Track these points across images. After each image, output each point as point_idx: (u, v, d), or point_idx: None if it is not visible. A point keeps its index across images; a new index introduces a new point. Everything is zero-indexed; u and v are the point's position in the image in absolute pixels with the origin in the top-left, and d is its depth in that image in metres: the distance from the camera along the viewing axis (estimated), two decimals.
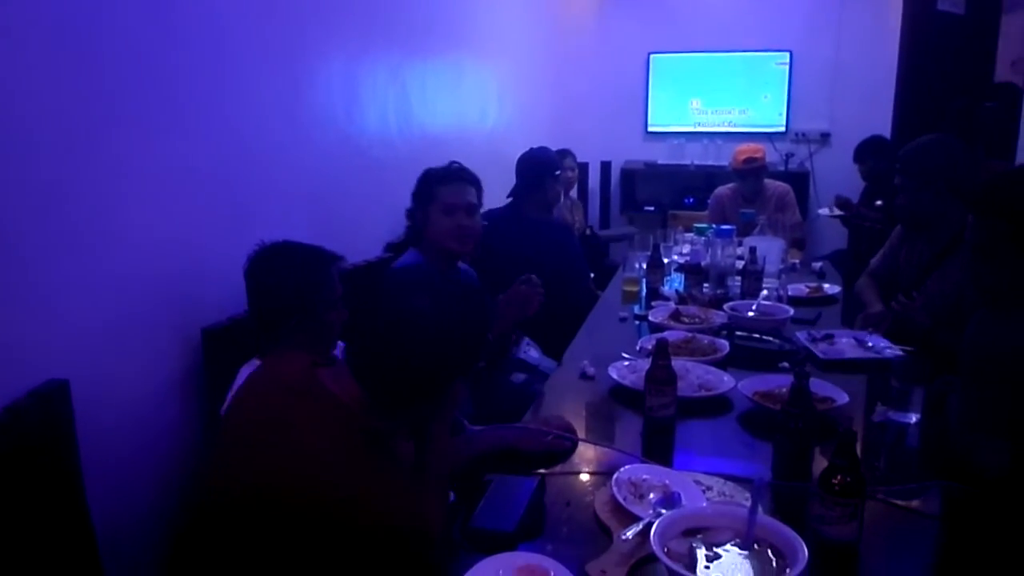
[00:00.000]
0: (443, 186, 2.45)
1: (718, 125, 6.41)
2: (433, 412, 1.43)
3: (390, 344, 1.28)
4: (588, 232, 5.01)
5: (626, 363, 2.25)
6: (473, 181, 2.52)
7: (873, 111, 5.51)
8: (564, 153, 4.68)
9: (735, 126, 6.36)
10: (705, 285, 3.23)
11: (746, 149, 4.60)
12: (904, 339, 2.38)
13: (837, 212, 5.02)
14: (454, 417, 1.68)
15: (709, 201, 4.87)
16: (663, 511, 1.37)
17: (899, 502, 1.52)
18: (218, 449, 1.36)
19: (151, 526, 1.85)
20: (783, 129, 6.25)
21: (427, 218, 2.44)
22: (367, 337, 1.32)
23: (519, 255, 3.24)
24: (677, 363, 1.94)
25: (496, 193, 3.61)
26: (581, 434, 1.83)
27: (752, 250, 3.19)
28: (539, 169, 3.43)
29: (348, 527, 1.21)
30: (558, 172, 3.58)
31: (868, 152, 4.94)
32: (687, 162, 6.34)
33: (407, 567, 1.30)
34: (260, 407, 1.33)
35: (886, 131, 5.31)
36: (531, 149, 3.51)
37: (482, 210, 3.41)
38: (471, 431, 1.77)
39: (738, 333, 2.61)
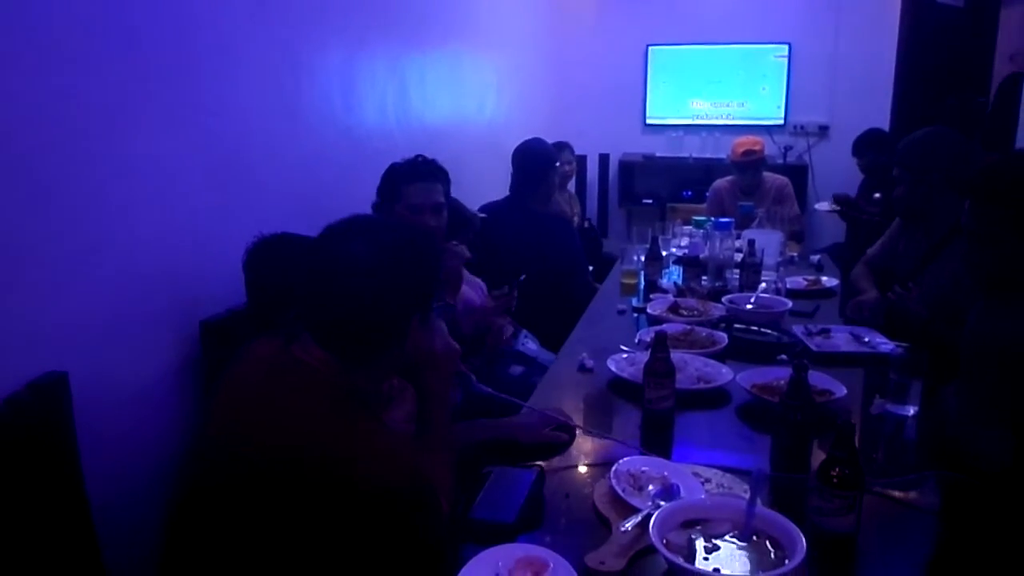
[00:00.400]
0: (409, 185, 2.33)
1: (716, 118, 6.40)
2: (433, 374, 1.44)
3: (333, 295, 1.28)
4: (587, 225, 5.01)
5: (625, 355, 2.25)
6: (441, 177, 2.41)
7: (872, 104, 5.51)
8: (562, 146, 4.68)
9: (734, 119, 6.35)
10: (703, 278, 3.23)
11: (745, 142, 4.60)
12: (900, 330, 2.39)
13: (835, 207, 5.03)
14: (461, 374, 1.67)
15: (707, 194, 4.87)
16: (662, 503, 1.38)
17: (897, 494, 1.52)
18: (208, 435, 1.36)
19: (150, 516, 1.84)
20: (782, 122, 6.24)
21: (392, 216, 2.35)
22: (313, 296, 1.31)
23: (518, 247, 3.24)
24: (675, 355, 1.94)
25: (493, 184, 3.61)
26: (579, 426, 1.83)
27: (750, 243, 3.19)
28: (540, 162, 3.44)
29: (347, 496, 1.20)
30: (557, 164, 3.58)
31: (867, 145, 4.94)
32: (685, 155, 6.33)
33: (416, 542, 1.30)
34: (244, 390, 1.33)
35: (885, 124, 5.31)
36: (527, 141, 3.50)
37: (480, 203, 3.43)
38: (477, 388, 1.75)
39: (736, 326, 2.61)
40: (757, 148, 4.56)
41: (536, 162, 3.43)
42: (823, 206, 5.18)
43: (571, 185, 5.28)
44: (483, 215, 3.05)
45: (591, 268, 3.73)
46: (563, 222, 3.62)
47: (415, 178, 2.35)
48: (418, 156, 2.39)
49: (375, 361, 1.34)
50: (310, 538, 1.21)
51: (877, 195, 4.54)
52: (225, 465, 1.27)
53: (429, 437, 1.45)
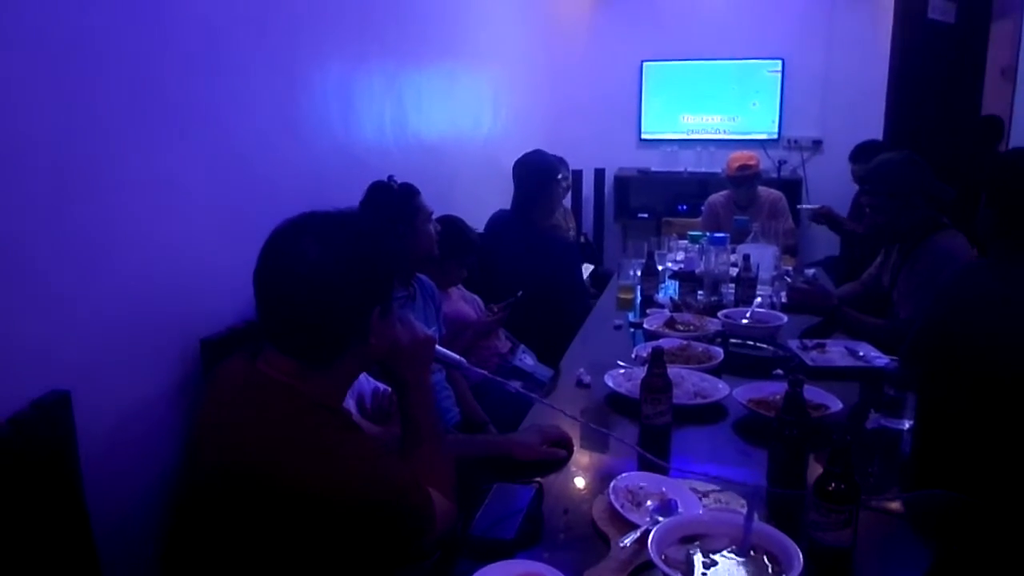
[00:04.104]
0: (417, 198, 2.44)
1: (711, 132, 6.44)
2: (413, 385, 1.44)
3: (289, 299, 1.24)
4: (583, 240, 5.03)
5: (622, 371, 2.26)
6: None
7: (864, 118, 5.55)
8: (559, 161, 4.70)
9: (728, 133, 6.39)
10: (699, 292, 3.25)
11: (740, 156, 4.63)
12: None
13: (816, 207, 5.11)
14: (445, 362, 1.65)
15: (702, 208, 4.90)
16: (660, 518, 1.39)
17: (894, 506, 1.54)
18: (191, 453, 1.36)
19: (150, 533, 1.85)
20: (775, 136, 6.29)
21: (415, 232, 2.42)
22: (269, 303, 1.27)
23: (520, 261, 3.27)
24: (672, 371, 1.96)
25: (490, 200, 3.64)
26: (577, 442, 1.84)
27: (746, 257, 3.21)
28: (543, 175, 3.47)
29: (326, 507, 1.19)
30: (559, 176, 3.60)
31: (868, 154, 5.00)
32: (680, 169, 6.36)
33: (400, 544, 1.30)
34: (217, 408, 1.33)
35: (878, 137, 5.35)
36: (528, 154, 3.52)
37: (475, 218, 3.44)
38: (471, 372, 1.73)
39: (732, 340, 2.63)
40: (752, 163, 4.60)
41: (538, 175, 3.46)
42: (808, 206, 5.24)
43: (567, 200, 5.31)
44: (481, 232, 3.07)
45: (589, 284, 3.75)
46: (565, 243, 3.62)
47: (416, 190, 2.45)
48: (391, 176, 2.45)
49: (340, 361, 1.30)
50: (296, 550, 1.20)
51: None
52: (207, 482, 1.27)
53: (415, 432, 1.44)
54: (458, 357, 1.66)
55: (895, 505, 1.54)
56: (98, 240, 1.71)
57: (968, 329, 1.87)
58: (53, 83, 1.58)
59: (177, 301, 1.96)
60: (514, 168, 3.48)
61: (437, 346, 1.54)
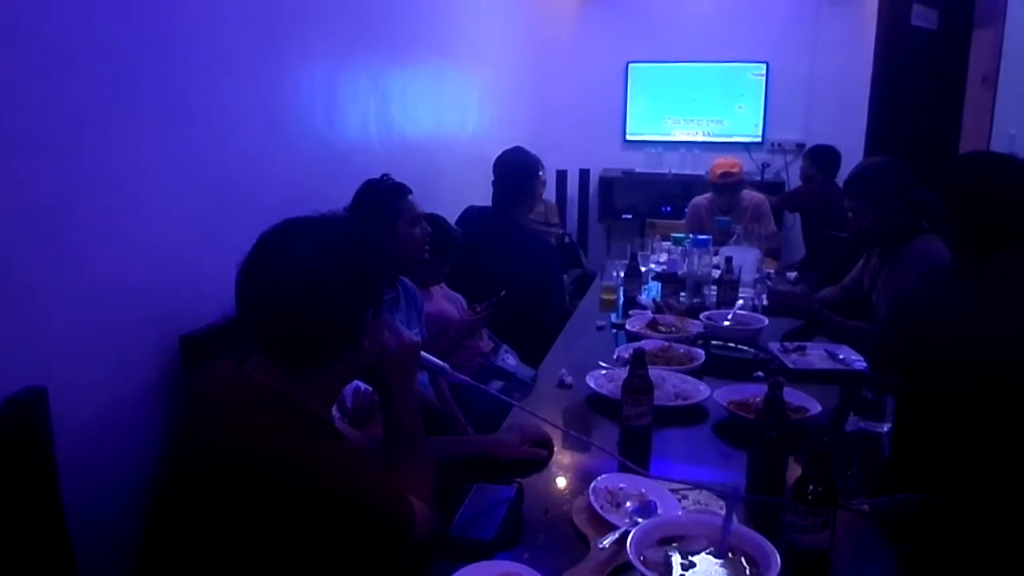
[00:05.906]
0: (402, 200, 2.40)
1: (695, 134, 6.47)
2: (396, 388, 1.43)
3: (281, 307, 1.22)
4: (567, 240, 5.03)
5: (603, 372, 2.27)
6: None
7: (847, 122, 5.59)
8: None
9: (712, 136, 6.43)
10: (682, 294, 3.26)
11: (723, 163, 4.64)
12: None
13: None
14: (429, 368, 1.65)
15: (686, 210, 4.91)
16: (639, 520, 1.39)
17: (866, 508, 1.55)
18: (173, 453, 1.35)
19: (128, 532, 1.84)
20: (759, 139, 6.32)
21: (394, 235, 2.38)
22: (259, 312, 1.25)
23: (500, 260, 3.25)
24: (653, 372, 1.96)
25: (475, 200, 3.63)
26: (558, 443, 1.85)
27: (728, 260, 3.23)
28: (526, 172, 3.44)
29: (311, 518, 1.19)
30: (540, 173, 3.59)
31: (816, 156, 5.10)
32: (665, 171, 6.39)
33: (383, 557, 1.29)
34: (202, 411, 1.31)
35: (860, 142, 5.40)
36: (508, 151, 3.48)
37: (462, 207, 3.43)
38: (454, 378, 1.71)
39: (714, 342, 2.64)
40: (735, 171, 4.60)
41: (521, 172, 3.42)
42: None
43: (552, 196, 5.32)
44: (462, 230, 3.06)
45: (570, 283, 3.74)
46: (545, 246, 3.59)
47: (404, 192, 2.42)
48: (385, 175, 2.42)
49: (333, 367, 1.29)
50: (276, 556, 1.19)
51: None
52: (190, 486, 1.26)
53: (399, 436, 1.43)
54: (442, 363, 1.65)
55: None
56: (76, 235, 1.69)
57: (927, 335, 1.88)
58: (29, 80, 1.56)
59: (157, 297, 1.94)
60: (496, 165, 3.45)
61: (422, 352, 1.54)
